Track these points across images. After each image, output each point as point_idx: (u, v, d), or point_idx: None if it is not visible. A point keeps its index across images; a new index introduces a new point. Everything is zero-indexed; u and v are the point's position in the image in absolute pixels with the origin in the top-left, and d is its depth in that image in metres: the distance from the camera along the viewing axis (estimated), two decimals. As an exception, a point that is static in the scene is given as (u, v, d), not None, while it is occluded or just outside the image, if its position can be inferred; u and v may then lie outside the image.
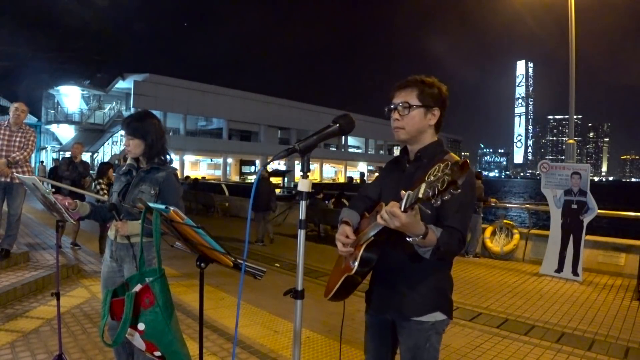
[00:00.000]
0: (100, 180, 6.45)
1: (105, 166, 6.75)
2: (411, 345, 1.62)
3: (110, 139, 31.63)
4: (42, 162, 24.63)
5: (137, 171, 2.38)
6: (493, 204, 9.01)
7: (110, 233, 2.38)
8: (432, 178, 1.15)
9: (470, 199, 1.56)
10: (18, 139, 4.59)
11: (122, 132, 2.44)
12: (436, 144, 1.66)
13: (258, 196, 8.21)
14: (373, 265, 1.56)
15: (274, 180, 28.78)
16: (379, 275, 1.69)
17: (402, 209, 1.25)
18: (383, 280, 1.68)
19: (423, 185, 1.17)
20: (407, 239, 1.37)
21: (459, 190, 1.11)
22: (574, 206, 6.14)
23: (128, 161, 2.47)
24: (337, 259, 1.78)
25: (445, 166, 1.13)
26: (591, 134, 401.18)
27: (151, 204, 1.59)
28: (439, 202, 1.14)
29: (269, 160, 2.20)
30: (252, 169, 39.57)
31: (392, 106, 1.64)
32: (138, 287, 1.62)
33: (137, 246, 2.23)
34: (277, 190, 26.32)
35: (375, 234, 1.46)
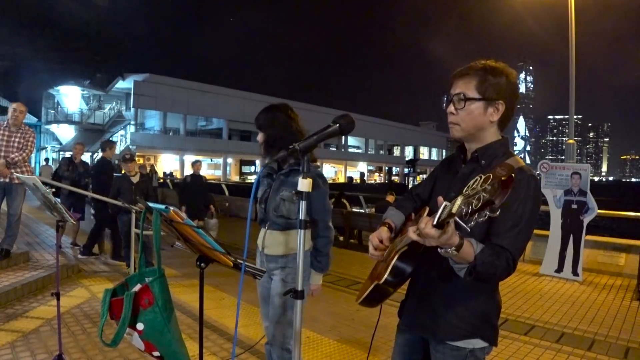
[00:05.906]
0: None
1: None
2: None
3: (110, 139, 31.66)
4: (47, 159, 24.27)
5: (277, 174, 2.16)
6: None
7: (259, 243, 2.20)
8: (469, 192, 0.96)
9: (531, 215, 1.27)
10: (17, 139, 4.58)
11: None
12: (499, 144, 1.39)
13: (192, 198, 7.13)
14: (407, 277, 1.38)
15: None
16: (414, 288, 1.50)
17: (435, 223, 1.04)
18: (417, 294, 1.48)
19: (459, 199, 0.98)
20: (439, 249, 1.15)
21: (497, 214, 0.93)
22: (574, 206, 6.14)
23: (267, 162, 2.20)
24: (375, 262, 1.58)
25: (486, 179, 0.95)
26: (591, 134, 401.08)
27: (151, 204, 1.58)
28: (472, 224, 0.97)
29: (269, 161, 2.19)
30: (252, 169, 39.57)
31: (446, 97, 1.42)
32: (137, 287, 1.61)
33: (291, 257, 2.09)
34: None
35: (411, 242, 1.27)
